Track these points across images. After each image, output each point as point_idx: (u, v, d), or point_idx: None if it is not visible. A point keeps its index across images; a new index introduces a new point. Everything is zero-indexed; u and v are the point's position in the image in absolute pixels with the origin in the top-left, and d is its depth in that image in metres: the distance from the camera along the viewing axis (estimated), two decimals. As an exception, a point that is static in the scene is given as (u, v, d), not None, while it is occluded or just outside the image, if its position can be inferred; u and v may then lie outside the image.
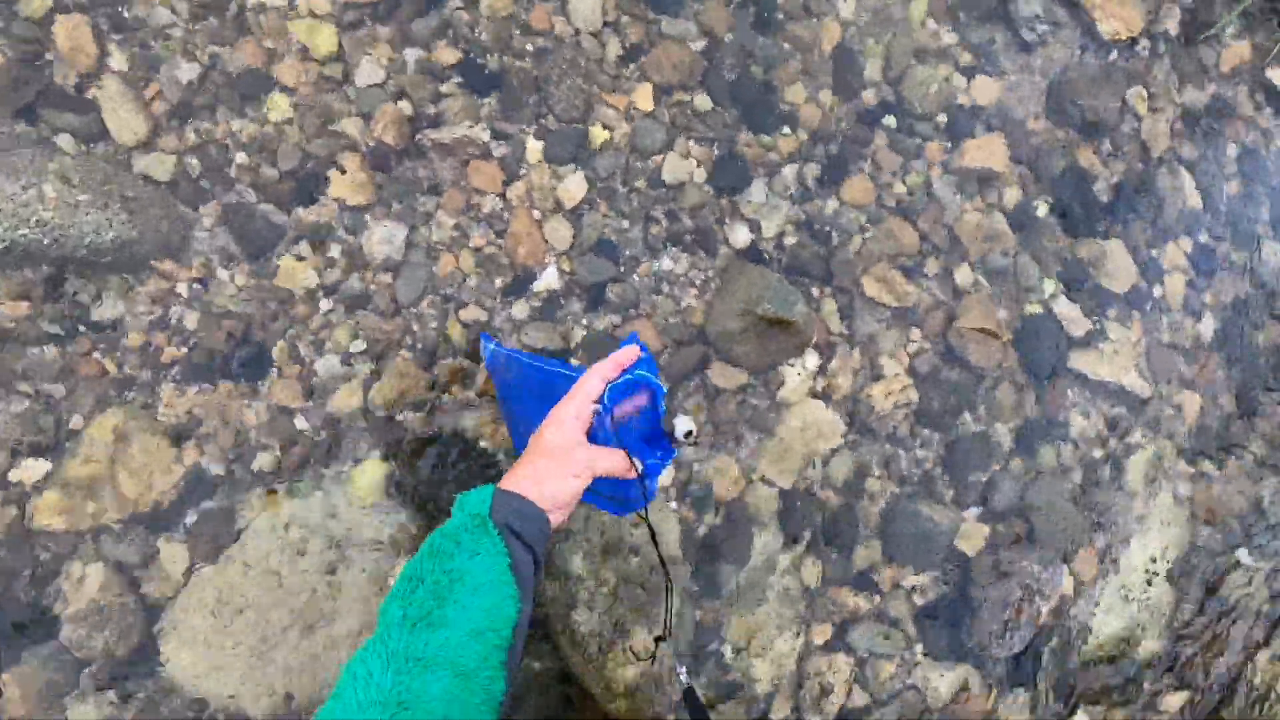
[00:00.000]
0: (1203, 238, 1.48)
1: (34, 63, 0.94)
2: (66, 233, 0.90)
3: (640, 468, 0.74)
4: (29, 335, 0.92)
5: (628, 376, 0.75)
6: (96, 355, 0.95)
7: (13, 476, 0.91)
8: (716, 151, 1.20)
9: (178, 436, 0.96)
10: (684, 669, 0.84)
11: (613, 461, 0.72)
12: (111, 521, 0.94)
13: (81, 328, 0.95)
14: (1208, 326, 1.46)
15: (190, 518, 0.97)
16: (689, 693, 0.81)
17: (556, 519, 0.69)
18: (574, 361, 1.10)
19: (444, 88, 1.09)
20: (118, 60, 0.97)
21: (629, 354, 0.76)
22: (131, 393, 0.96)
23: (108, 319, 0.95)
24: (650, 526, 0.79)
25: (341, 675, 0.57)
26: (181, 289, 0.98)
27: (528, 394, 0.87)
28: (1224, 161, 1.50)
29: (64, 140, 0.94)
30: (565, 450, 0.70)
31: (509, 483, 0.68)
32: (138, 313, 0.96)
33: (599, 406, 0.73)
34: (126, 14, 0.97)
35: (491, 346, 0.97)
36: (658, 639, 0.84)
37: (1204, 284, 1.46)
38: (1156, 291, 1.43)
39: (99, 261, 0.94)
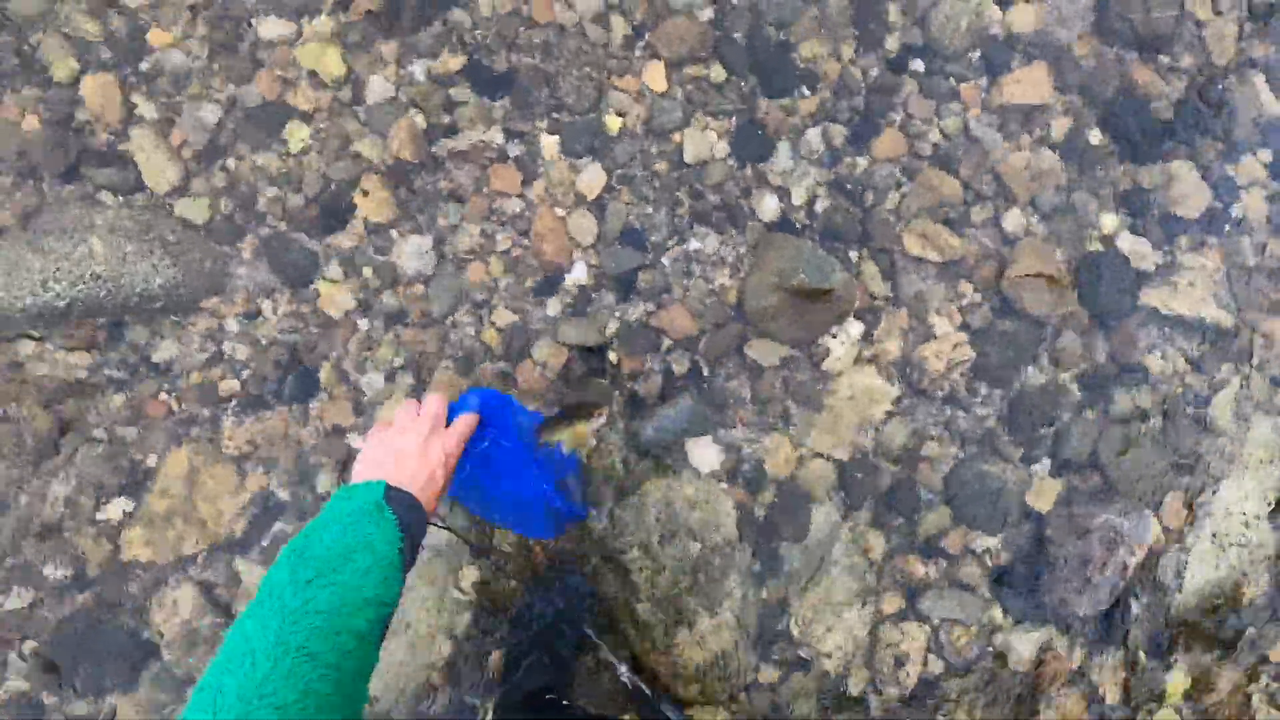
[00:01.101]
0: (1285, 145, 1.35)
1: (69, 124, 0.99)
2: (119, 283, 0.95)
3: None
4: (97, 383, 0.98)
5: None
6: (162, 395, 1.01)
7: (100, 515, 0.97)
8: (736, 122, 1.16)
9: (242, 465, 1.01)
10: (624, 667, 0.87)
11: (458, 430, 0.79)
12: (193, 550, 1.00)
13: (144, 370, 1.00)
14: (1297, 243, 1.34)
15: (265, 540, 1.02)
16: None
17: (430, 510, 0.75)
18: (611, 355, 1.10)
19: (454, 94, 1.09)
20: (145, 110, 1.01)
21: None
22: (195, 429, 1.01)
23: (166, 360, 1.00)
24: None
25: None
26: (229, 324, 1.02)
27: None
28: (1304, 58, 1.35)
29: (105, 196, 0.99)
30: (422, 449, 0.77)
31: (393, 478, 0.73)
32: (192, 351, 1.01)
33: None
34: (145, 65, 1.01)
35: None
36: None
37: (1290, 197, 1.33)
38: (1234, 212, 1.31)
39: (151, 307, 0.99)
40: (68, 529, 0.97)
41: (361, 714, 0.60)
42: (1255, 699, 1.28)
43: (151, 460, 0.99)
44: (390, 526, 0.67)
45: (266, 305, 1.03)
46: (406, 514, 0.70)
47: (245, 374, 1.02)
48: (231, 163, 1.03)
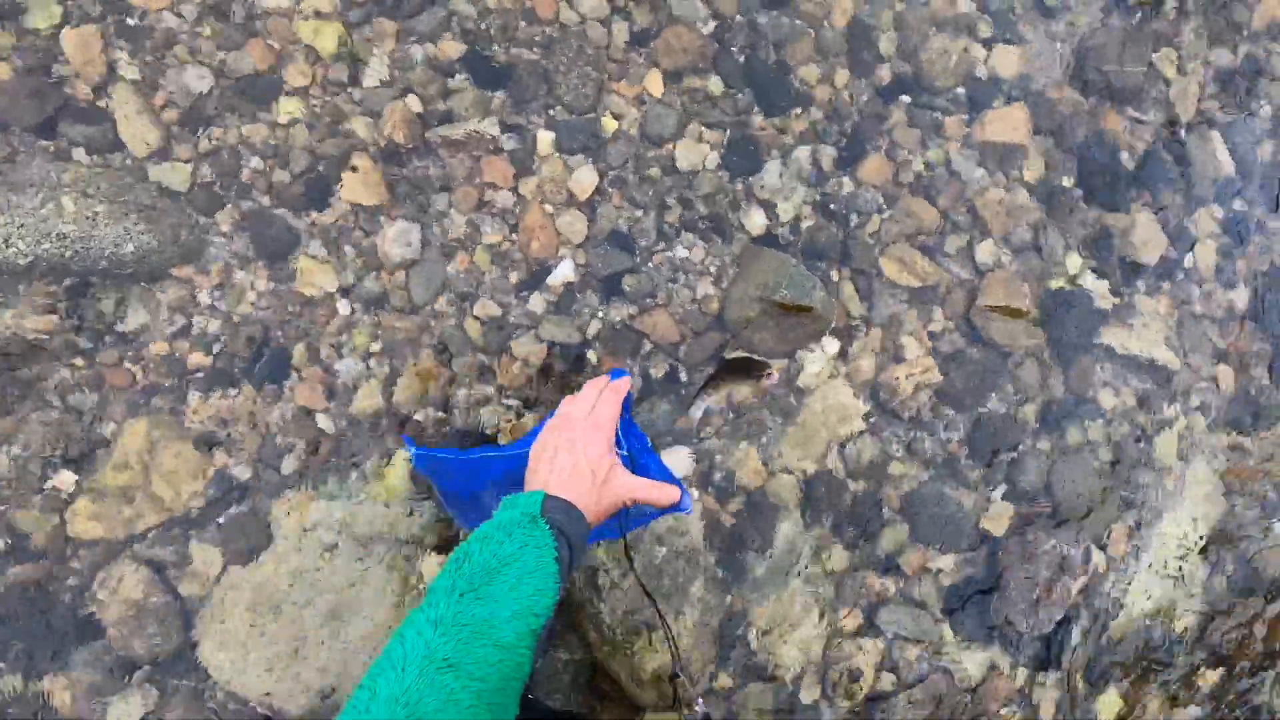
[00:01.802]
0: (1236, 204, 1.44)
1: (47, 76, 0.95)
2: (87, 245, 0.92)
3: (677, 491, 0.82)
4: (57, 348, 0.94)
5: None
6: (125, 365, 0.97)
7: (48, 485, 0.93)
8: (729, 135, 1.18)
9: (205, 442, 0.98)
10: (701, 702, 0.91)
11: (652, 492, 0.80)
12: (146, 527, 0.96)
13: (108, 338, 0.96)
14: (1241, 295, 1.42)
15: (221, 520, 0.99)
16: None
17: (591, 525, 0.76)
18: (592, 355, 1.10)
19: (452, 83, 1.08)
20: (128, 69, 0.97)
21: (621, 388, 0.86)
22: (159, 400, 0.97)
23: (132, 329, 0.97)
24: (630, 559, 0.87)
25: (391, 638, 0.62)
26: (202, 296, 0.99)
27: (461, 484, 0.95)
28: (1257, 124, 1.44)
29: (79, 153, 0.95)
30: (606, 477, 0.78)
31: (557, 488, 0.75)
32: (161, 321, 0.98)
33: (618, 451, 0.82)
34: (132, 22, 0.98)
35: (414, 451, 0.94)
36: (672, 677, 0.89)
37: (1237, 251, 1.42)
38: (1187, 261, 1.39)
39: (121, 272, 0.95)
40: (11, 497, 0.92)
41: None
42: (1180, 725, 1.34)
43: (109, 431, 0.95)
44: (545, 538, 0.69)
45: (243, 279, 1.01)
46: (566, 524, 0.71)
47: (215, 348, 0.99)
48: (216, 131, 1.00)
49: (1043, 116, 1.32)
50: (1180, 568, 1.35)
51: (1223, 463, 1.40)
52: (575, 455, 0.78)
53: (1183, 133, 1.40)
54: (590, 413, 0.83)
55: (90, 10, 0.96)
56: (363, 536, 1.02)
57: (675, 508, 0.84)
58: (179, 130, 0.99)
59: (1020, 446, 1.29)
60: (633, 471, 0.86)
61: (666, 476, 0.88)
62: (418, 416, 1.05)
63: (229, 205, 1.00)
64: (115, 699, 0.93)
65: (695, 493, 1.14)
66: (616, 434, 0.85)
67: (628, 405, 0.91)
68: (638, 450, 0.89)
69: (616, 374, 0.92)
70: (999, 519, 1.26)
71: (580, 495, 0.75)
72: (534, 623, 0.65)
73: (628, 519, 0.87)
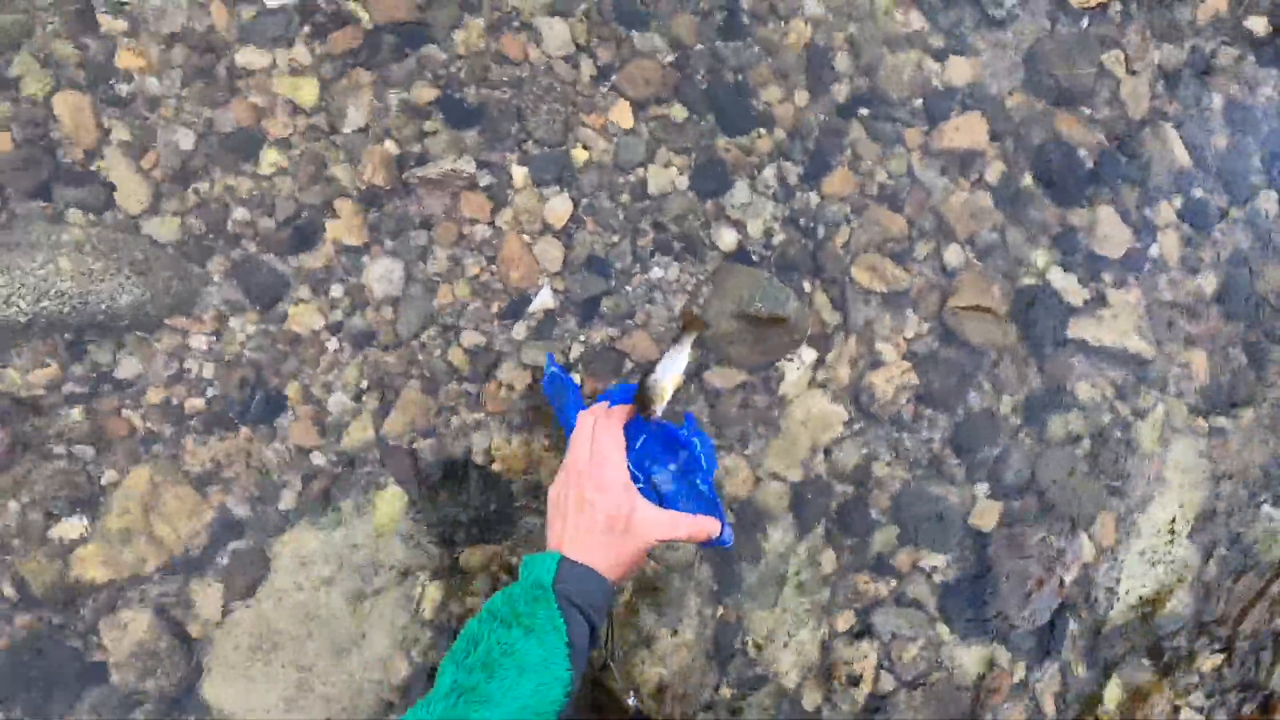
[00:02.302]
0: (1195, 193, 1.48)
1: (42, 143, 1.00)
2: (85, 300, 0.96)
3: (717, 524, 0.76)
4: (57, 400, 0.97)
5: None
6: (124, 413, 1.00)
7: (53, 534, 0.96)
8: (697, 159, 1.23)
9: (203, 483, 1.01)
10: (634, 696, 0.89)
11: (682, 530, 0.74)
12: (149, 570, 0.98)
13: (105, 387, 1.00)
14: (1208, 281, 1.46)
15: (222, 559, 1.01)
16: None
17: (619, 583, 0.71)
18: (575, 378, 1.13)
19: (427, 125, 1.13)
20: (118, 133, 1.02)
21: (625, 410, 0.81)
22: (157, 446, 1.01)
23: (129, 377, 1.00)
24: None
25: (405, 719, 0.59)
26: (195, 343, 1.03)
27: (575, 413, 0.90)
28: (1209, 115, 1.49)
29: (74, 214, 0.99)
30: (626, 525, 0.71)
31: (573, 550, 0.69)
32: (156, 369, 1.01)
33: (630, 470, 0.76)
34: (122, 89, 1.03)
35: (552, 369, 1.00)
36: (602, 668, 0.92)
37: (1200, 239, 1.46)
38: (1153, 251, 1.43)
39: (117, 325, 0.99)
40: (16, 549, 0.95)
41: None
42: (1184, 712, 1.35)
43: (109, 478, 0.98)
44: (553, 619, 0.63)
45: (234, 324, 1.04)
46: (580, 595, 0.65)
47: (210, 392, 1.02)
48: (204, 185, 1.05)
49: (999, 122, 1.36)
50: (1170, 553, 1.37)
51: (1205, 445, 1.42)
52: (585, 513, 0.71)
53: (1137, 129, 1.44)
54: (591, 454, 0.75)
55: (78, 78, 1.01)
56: (360, 567, 1.04)
57: (715, 541, 0.77)
58: (168, 187, 1.04)
59: (1003, 442, 1.31)
60: (674, 493, 0.79)
61: (704, 504, 0.80)
62: (414, 446, 1.08)
63: (218, 254, 1.05)
64: (125, 741, 0.95)
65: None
66: (639, 460, 0.80)
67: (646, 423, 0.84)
68: (676, 469, 0.82)
69: (607, 396, 0.91)
70: (986, 515, 1.28)
71: (598, 557, 0.69)
72: (541, 716, 0.61)
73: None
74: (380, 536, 1.06)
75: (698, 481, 0.83)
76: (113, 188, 1.01)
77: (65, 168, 1.00)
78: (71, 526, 0.96)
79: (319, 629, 1.02)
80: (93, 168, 1.01)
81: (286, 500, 1.03)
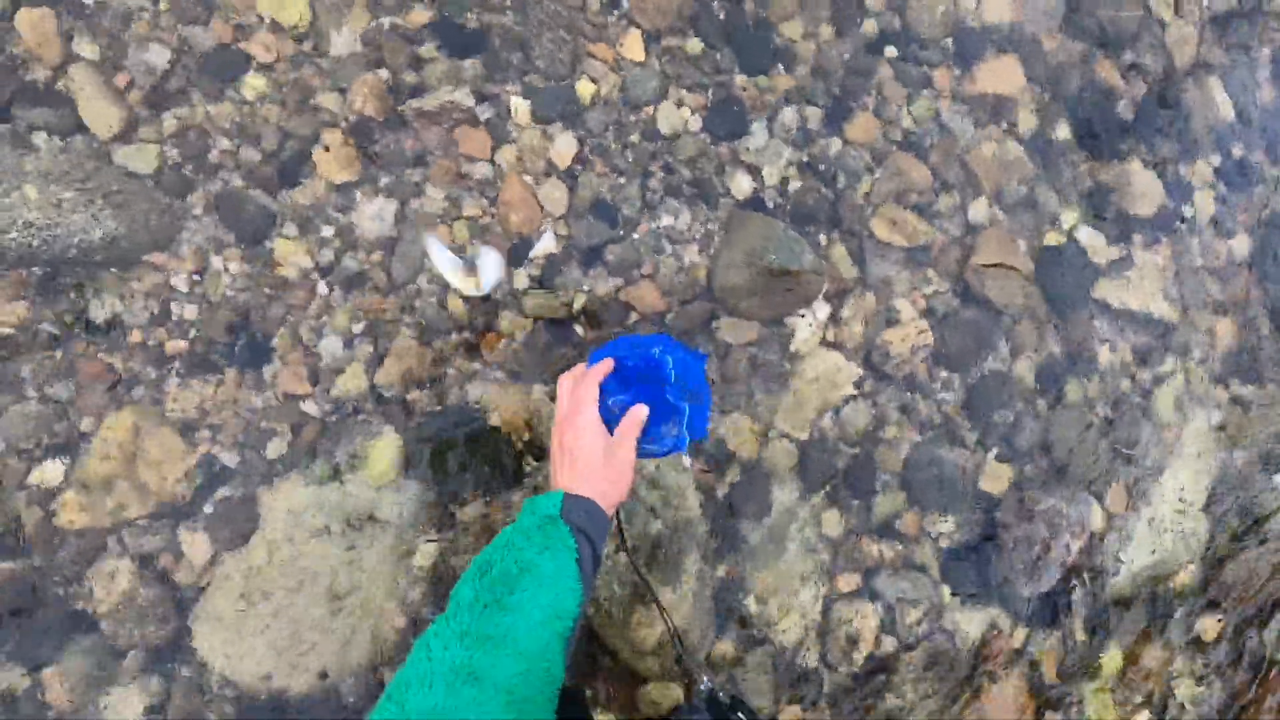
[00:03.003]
0: (1235, 150, 1.40)
1: (2, 60, 0.91)
2: (54, 233, 0.89)
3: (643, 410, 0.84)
4: (30, 339, 0.92)
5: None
6: (100, 355, 0.95)
7: (32, 479, 0.92)
8: (712, 97, 1.15)
9: (188, 429, 0.97)
10: (708, 678, 0.91)
11: (626, 439, 0.82)
12: (134, 516, 0.95)
13: (81, 328, 0.94)
14: (1241, 245, 1.39)
15: (209, 508, 0.98)
16: (711, 698, 0.90)
17: (610, 514, 0.78)
18: (579, 329, 1.08)
19: (422, 51, 1.05)
20: (86, 49, 0.94)
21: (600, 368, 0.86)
22: (139, 389, 0.96)
23: (106, 317, 0.95)
24: (628, 550, 0.87)
25: (414, 649, 0.62)
26: (177, 282, 0.97)
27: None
28: (1257, 67, 1.40)
29: (39, 138, 0.92)
30: (606, 459, 0.80)
31: (571, 487, 0.77)
32: (136, 309, 0.96)
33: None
34: (89, 1, 0.94)
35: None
36: (677, 660, 0.94)
37: (1236, 200, 1.39)
38: (1185, 212, 1.36)
39: (91, 260, 0.93)
40: (-5, 493, 0.91)
41: None
42: (1183, 680, 1.35)
43: (88, 423, 0.94)
44: (565, 539, 0.70)
45: (218, 263, 0.98)
46: (585, 522, 0.73)
47: (193, 334, 0.97)
48: (182, 110, 0.97)
49: (1035, 66, 1.28)
50: (1180, 522, 1.35)
51: (1223, 415, 1.38)
52: (577, 451, 0.79)
53: (1180, 80, 1.36)
54: (568, 408, 0.84)
55: (42, -12, 0.93)
56: (352, 519, 1.01)
57: (675, 446, 0.86)
58: (143, 111, 0.96)
59: (1017, 406, 1.27)
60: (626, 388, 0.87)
61: (666, 409, 0.87)
62: (408, 397, 1.04)
63: (200, 188, 0.98)
64: (114, 690, 0.93)
65: (688, 462, 1.13)
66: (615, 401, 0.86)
67: (642, 353, 0.89)
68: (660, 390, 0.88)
69: (595, 357, 0.90)
70: (997, 479, 1.25)
71: (595, 486, 0.77)
72: (559, 626, 0.66)
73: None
74: (375, 488, 1.02)
75: (667, 395, 0.89)
76: (80, 110, 0.93)
77: (30, 87, 0.92)
78: (50, 470, 0.92)
79: (311, 580, 1.00)
80: (60, 87, 0.93)
81: (274, 449, 0.99)
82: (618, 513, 0.91)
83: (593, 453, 0.79)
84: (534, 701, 0.61)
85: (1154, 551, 1.32)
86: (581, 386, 0.84)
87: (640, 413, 0.83)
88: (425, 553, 1.04)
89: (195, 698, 0.96)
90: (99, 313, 0.94)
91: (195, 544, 0.97)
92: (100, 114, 0.94)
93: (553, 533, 0.70)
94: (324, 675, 1.00)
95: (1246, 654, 1.37)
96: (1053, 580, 1.26)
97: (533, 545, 0.69)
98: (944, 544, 1.23)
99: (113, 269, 0.95)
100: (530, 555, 0.68)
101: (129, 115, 0.95)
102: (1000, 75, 1.25)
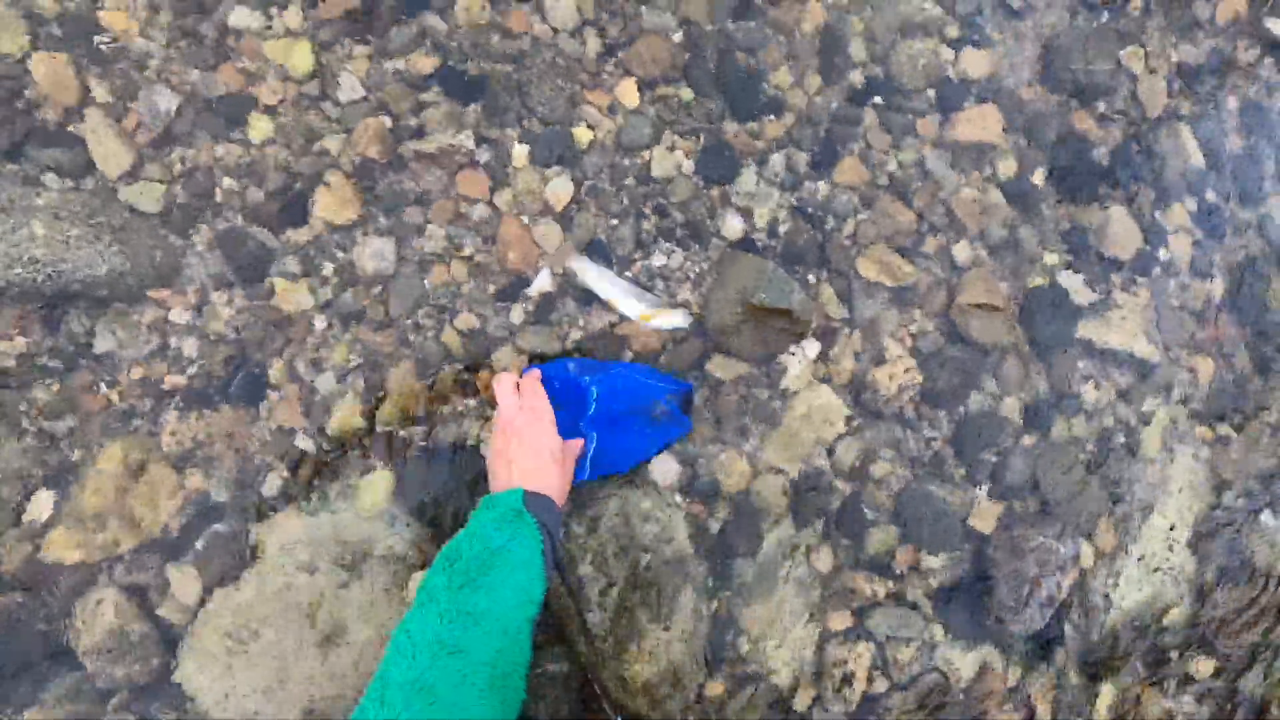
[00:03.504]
0: (1208, 196, 1.45)
1: (16, 102, 0.94)
2: (59, 269, 0.91)
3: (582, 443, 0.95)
4: (30, 372, 0.93)
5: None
6: (100, 388, 0.96)
7: (23, 513, 0.92)
8: (703, 142, 1.19)
9: (183, 463, 0.97)
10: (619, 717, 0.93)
11: (571, 454, 0.91)
12: (124, 551, 0.95)
13: (82, 361, 0.95)
14: (1218, 286, 1.43)
15: (200, 543, 0.98)
16: None
17: (562, 508, 0.83)
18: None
19: (425, 97, 1.09)
20: (99, 93, 0.97)
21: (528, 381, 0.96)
22: (136, 422, 0.96)
23: (107, 350, 0.96)
24: (562, 572, 0.88)
25: (392, 638, 0.64)
26: (177, 317, 0.99)
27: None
28: (1225, 117, 1.46)
29: (50, 178, 0.94)
30: (558, 454, 0.86)
31: (529, 484, 0.80)
32: (137, 343, 0.97)
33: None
34: (104, 47, 0.98)
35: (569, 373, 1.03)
36: (587, 682, 0.98)
37: (1211, 243, 1.43)
38: (1162, 254, 1.40)
39: (94, 295, 0.95)
40: (-15, 526, 0.91)
41: (519, 709, 0.64)
42: (1175, 716, 1.34)
43: (83, 456, 0.94)
44: (531, 530, 0.73)
45: (219, 299, 1.00)
46: (545, 516, 0.76)
47: (192, 369, 0.98)
48: (189, 152, 1.00)
49: (1013, 115, 1.33)
50: (1169, 560, 1.35)
51: (1207, 454, 1.40)
52: (530, 448, 0.83)
53: (1153, 129, 1.41)
54: (521, 409, 0.88)
55: (58, 34, 0.96)
56: (344, 554, 1.01)
57: (601, 466, 0.97)
58: (150, 152, 0.99)
59: (1004, 443, 1.29)
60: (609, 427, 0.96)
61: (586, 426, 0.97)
62: (401, 433, 1.05)
63: (204, 225, 1.00)
64: (95, 729, 0.92)
65: (679, 498, 1.13)
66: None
67: (579, 379, 0.97)
68: (602, 410, 0.97)
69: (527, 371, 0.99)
70: (986, 516, 1.26)
71: (549, 483, 0.81)
72: (530, 610, 0.69)
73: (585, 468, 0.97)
74: (367, 521, 1.02)
75: (579, 423, 0.96)
76: (91, 151, 0.96)
77: (41, 128, 0.95)
78: (41, 504, 0.92)
79: (300, 616, 0.99)
80: (70, 129, 0.96)
81: (269, 484, 1.00)
82: (560, 555, 0.94)
83: (554, 454, 0.84)
84: (510, 678, 0.63)
85: (1144, 589, 1.33)
86: (533, 391, 0.91)
87: (574, 449, 0.90)
88: (416, 586, 1.04)
89: (178, 738, 0.94)
90: (101, 346, 0.96)
91: (184, 579, 0.96)
92: (111, 154, 0.96)
93: (519, 523, 0.73)
94: (311, 710, 0.98)
95: (1240, 694, 1.36)
96: (1045, 618, 1.26)
97: (501, 534, 0.71)
98: (935, 581, 1.24)
99: (116, 304, 0.96)
100: (500, 542, 0.71)
101: (137, 156, 0.98)
102: (981, 124, 1.30)
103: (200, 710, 0.95)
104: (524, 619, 0.67)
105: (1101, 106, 1.39)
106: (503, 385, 0.91)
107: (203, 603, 0.96)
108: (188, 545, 0.97)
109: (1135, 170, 1.39)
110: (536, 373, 0.96)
